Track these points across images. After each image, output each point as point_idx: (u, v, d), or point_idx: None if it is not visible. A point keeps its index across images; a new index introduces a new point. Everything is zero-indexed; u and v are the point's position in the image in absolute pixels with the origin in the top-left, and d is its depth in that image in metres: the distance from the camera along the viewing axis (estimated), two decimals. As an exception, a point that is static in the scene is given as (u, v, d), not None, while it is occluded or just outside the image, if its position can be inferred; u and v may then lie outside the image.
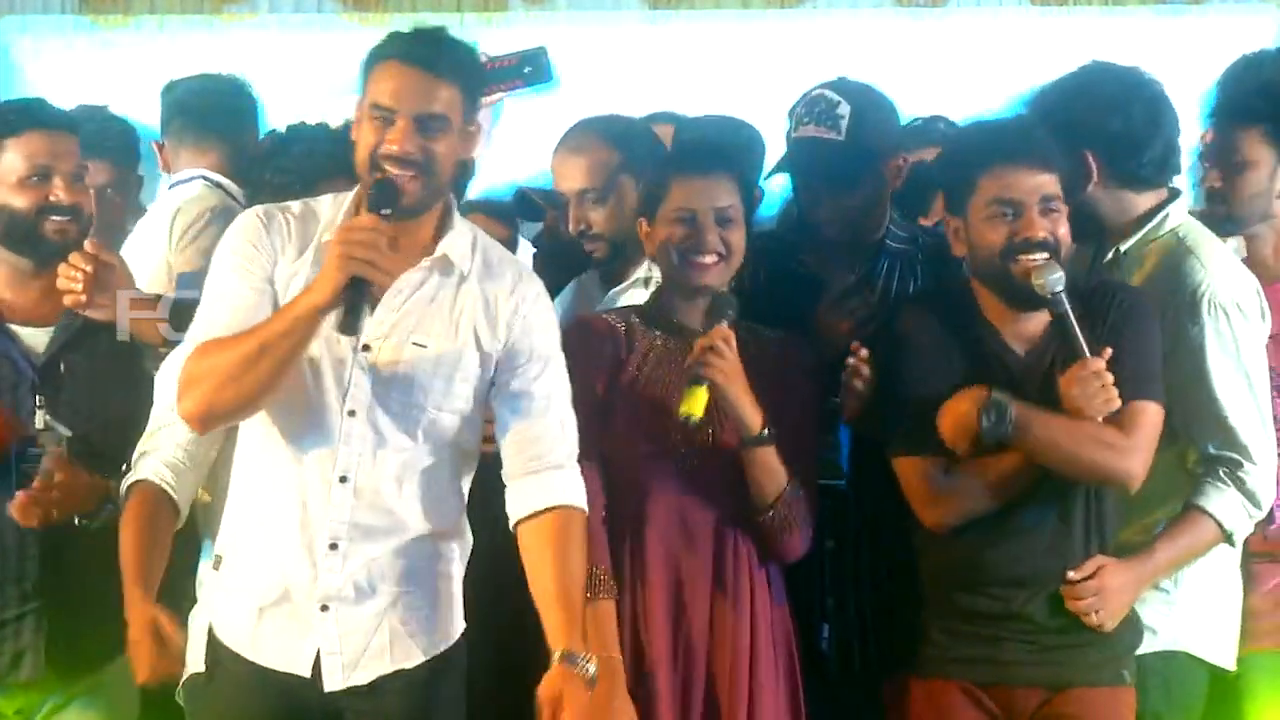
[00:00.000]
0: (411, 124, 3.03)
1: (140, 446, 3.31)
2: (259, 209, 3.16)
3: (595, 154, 3.84)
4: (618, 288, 3.77)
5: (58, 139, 3.50)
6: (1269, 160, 3.66)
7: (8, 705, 3.50)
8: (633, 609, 3.32)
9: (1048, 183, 3.30)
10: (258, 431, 3.11)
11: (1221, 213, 3.71)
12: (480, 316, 3.12)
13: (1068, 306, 3.25)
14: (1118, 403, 3.23)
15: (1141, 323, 3.33)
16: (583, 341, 3.37)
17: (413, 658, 3.11)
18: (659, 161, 3.58)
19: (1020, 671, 3.34)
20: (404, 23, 5.48)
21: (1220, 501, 3.42)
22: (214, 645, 3.17)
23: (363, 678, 3.09)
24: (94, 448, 3.42)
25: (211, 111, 4.41)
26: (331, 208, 3.15)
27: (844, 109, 3.57)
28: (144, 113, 4.61)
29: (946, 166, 3.47)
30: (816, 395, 3.43)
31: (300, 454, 3.07)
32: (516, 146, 4.72)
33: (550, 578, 3.07)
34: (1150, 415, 3.28)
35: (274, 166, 3.61)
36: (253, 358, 2.96)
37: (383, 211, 2.98)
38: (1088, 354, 3.24)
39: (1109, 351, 3.24)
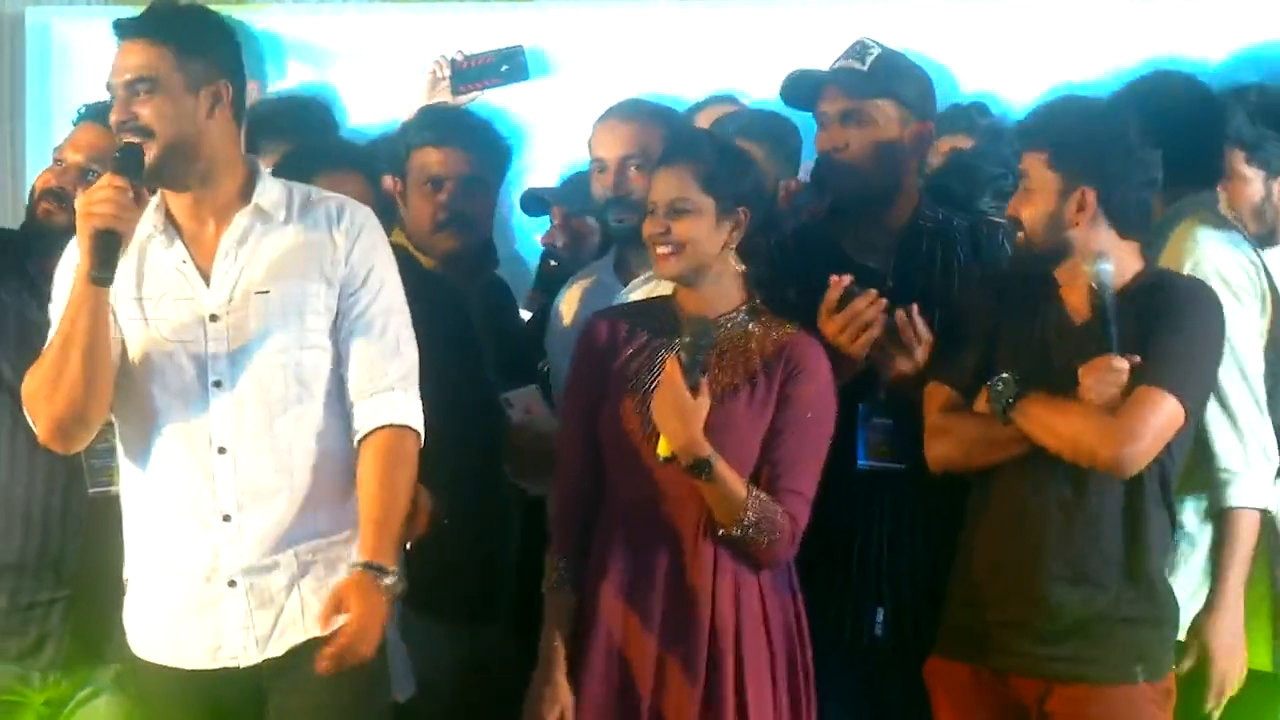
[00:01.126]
0: (124, 91, 3.11)
1: None
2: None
3: (644, 124, 3.90)
4: (639, 279, 3.76)
5: (86, 132, 3.62)
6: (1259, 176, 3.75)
7: (38, 695, 3.53)
8: (596, 594, 3.35)
9: (1026, 163, 3.35)
10: (130, 441, 3.16)
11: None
12: (315, 249, 3.17)
13: (1109, 300, 3.23)
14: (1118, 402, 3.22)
15: (1184, 317, 3.29)
16: (582, 340, 3.46)
17: (330, 624, 3.10)
18: None
19: (1023, 661, 3.33)
20: (430, 8, 5.54)
21: (1246, 489, 3.40)
22: (137, 669, 3.21)
23: (277, 649, 3.11)
24: None
25: (283, 117, 4.43)
26: (147, 213, 3.20)
27: (875, 50, 3.60)
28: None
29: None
30: (823, 396, 3.39)
31: (175, 441, 3.11)
32: (554, 133, 4.74)
33: (370, 494, 3.13)
34: (1153, 401, 3.22)
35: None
36: (61, 354, 3.04)
37: (132, 178, 3.06)
38: (1114, 348, 3.21)
39: (1136, 359, 3.21)
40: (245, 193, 3.21)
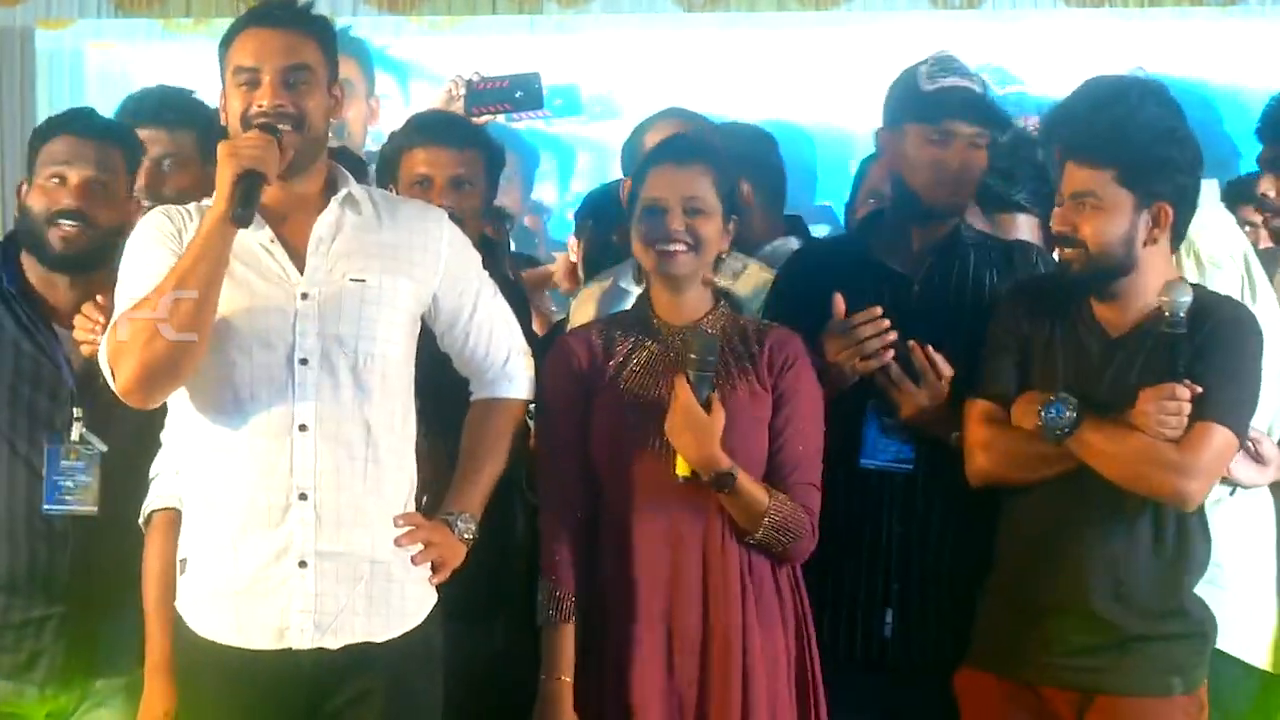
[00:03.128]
0: (278, 78, 3.09)
1: (154, 467, 3.32)
2: (159, 208, 3.21)
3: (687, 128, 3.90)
4: None
5: (82, 145, 3.47)
6: None
7: (38, 709, 3.50)
8: (618, 611, 3.30)
9: (1082, 178, 3.29)
10: (205, 419, 3.11)
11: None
12: (404, 249, 3.16)
13: (1184, 330, 3.23)
14: (1181, 433, 3.21)
15: (1232, 347, 3.29)
16: (556, 361, 3.40)
17: (386, 630, 3.11)
18: (642, 158, 3.58)
19: (1057, 674, 3.31)
20: (439, 22, 5.58)
21: None
22: (190, 642, 3.14)
23: (333, 642, 3.08)
24: (129, 462, 3.39)
25: None
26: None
27: (970, 70, 3.58)
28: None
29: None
30: (816, 386, 3.37)
31: (256, 416, 3.08)
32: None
33: (465, 450, 3.26)
34: (1215, 437, 3.23)
35: None
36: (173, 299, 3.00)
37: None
38: (1179, 378, 3.22)
39: (1198, 389, 3.22)
40: (327, 190, 3.20)
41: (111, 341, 3.05)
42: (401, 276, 3.15)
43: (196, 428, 3.13)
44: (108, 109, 3.78)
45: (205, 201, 3.17)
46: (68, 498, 3.40)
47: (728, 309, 3.43)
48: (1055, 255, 3.48)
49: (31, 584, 3.42)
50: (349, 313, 3.10)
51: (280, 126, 3.06)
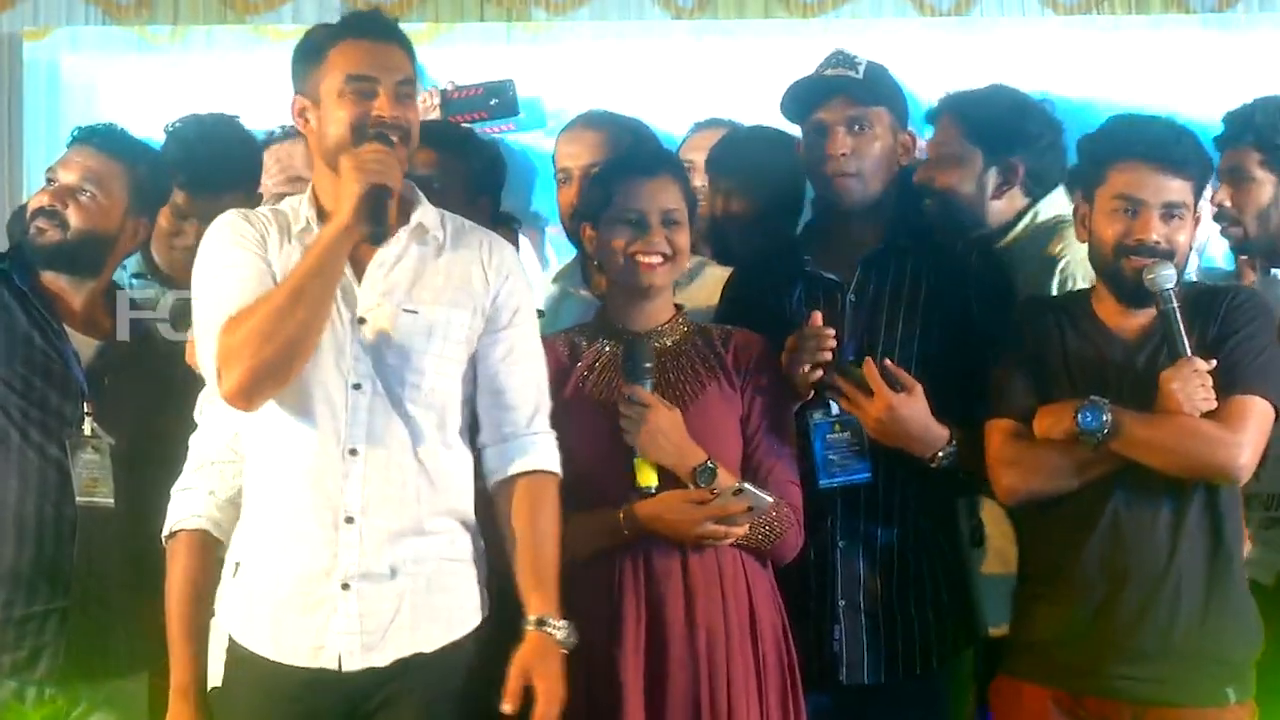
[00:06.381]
0: (394, 90, 3.10)
1: (182, 481, 3.31)
2: (234, 210, 3.20)
3: (608, 133, 3.91)
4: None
5: (84, 155, 3.61)
6: (1271, 181, 3.82)
7: (34, 714, 3.53)
8: (603, 613, 3.30)
9: (1176, 188, 3.32)
10: (264, 427, 3.12)
11: (1237, 234, 3.86)
12: (465, 280, 3.16)
13: (1175, 304, 3.27)
14: (1214, 403, 3.24)
15: (1253, 321, 3.34)
16: None
17: (432, 641, 3.11)
18: (605, 166, 3.59)
19: (1110, 684, 3.30)
20: (424, 30, 5.59)
21: None
22: (233, 652, 3.16)
23: (382, 659, 3.08)
24: (135, 458, 3.48)
25: None
26: (291, 204, 3.20)
27: (862, 60, 3.61)
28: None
29: (1084, 151, 3.50)
30: (782, 385, 3.42)
31: (309, 435, 3.09)
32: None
33: (524, 544, 3.13)
34: (1255, 408, 3.26)
35: None
36: (287, 307, 2.99)
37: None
38: (1188, 352, 3.25)
39: (1214, 362, 3.25)
40: (401, 213, 3.19)
41: (221, 344, 3.03)
42: (456, 309, 3.15)
43: (258, 437, 3.14)
44: (80, 118, 3.83)
45: (283, 205, 3.20)
46: (88, 490, 3.47)
47: (686, 316, 3.45)
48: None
49: (36, 576, 3.48)
50: (399, 343, 3.10)
51: (393, 138, 3.06)
